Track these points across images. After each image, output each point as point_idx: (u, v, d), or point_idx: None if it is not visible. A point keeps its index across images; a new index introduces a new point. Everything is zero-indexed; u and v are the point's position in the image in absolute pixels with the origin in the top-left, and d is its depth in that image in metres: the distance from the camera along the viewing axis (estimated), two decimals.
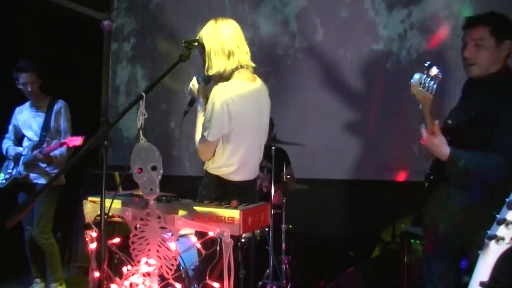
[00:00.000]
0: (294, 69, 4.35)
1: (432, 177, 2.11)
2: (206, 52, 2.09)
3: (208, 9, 4.77)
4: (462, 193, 1.97)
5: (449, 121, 1.99)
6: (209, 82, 2.20)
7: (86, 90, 4.89)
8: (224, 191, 2.12)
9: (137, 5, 5.25)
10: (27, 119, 3.50)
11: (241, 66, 2.12)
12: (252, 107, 2.13)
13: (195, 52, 2.08)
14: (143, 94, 1.70)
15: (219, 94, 2.01)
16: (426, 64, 1.74)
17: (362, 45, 4.06)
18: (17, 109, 3.59)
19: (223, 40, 2.08)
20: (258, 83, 2.22)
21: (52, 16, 4.62)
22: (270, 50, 4.45)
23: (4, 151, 3.53)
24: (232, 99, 2.01)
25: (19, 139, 3.56)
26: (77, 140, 3.13)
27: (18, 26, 4.19)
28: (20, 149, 3.45)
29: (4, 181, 3.38)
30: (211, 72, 2.11)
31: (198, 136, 2.15)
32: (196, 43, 2.08)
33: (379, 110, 3.99)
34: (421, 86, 1.77)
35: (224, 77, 2.12)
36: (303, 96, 4.29)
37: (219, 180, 2.14)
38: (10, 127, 3.60)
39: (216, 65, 2.09)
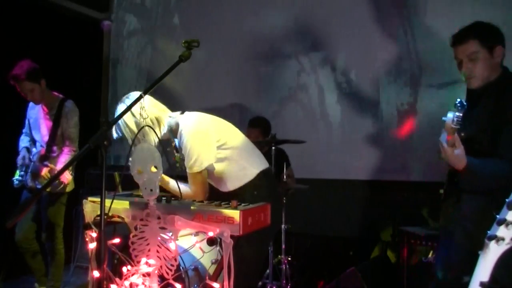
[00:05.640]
0: (294, 69, 4.35)
1: (447, 188, 2.13)
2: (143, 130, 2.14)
3: (207, 7, 4.77)
4: (472, 198, 2.00)
5: (462, 134, 2.00)
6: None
7: (86, 90, 4.89)
8: (269, 182, 2.28)
9: (137, 5, 5.26)
10: (37, 118, 3.36)
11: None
12: (211, 117, 2.32)
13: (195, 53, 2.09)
14: (143, 94, 1.70)
15: (190, 132, 2.16)
16: (457, 103, 1.71)
17: (364, 45, 4.07)
18: (31, 103, 3.42)
19: (152, 111, 2.20)
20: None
21: (52, 16, 4.62)
22: (270, 49, 4.45)
23: (19, 149, 3.42)
24: (201, 125, 2.21)
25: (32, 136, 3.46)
26: (65, 178, 3.10)
27: (17, 25, 4.19)
28: (34, 150, 3.35)
29: (17, 182, 3.31)
30: (156, 139, 2.19)
31: (186, 187, 2.22)
32: (196, 44, 2.08)
33: (379, 109, 3.99)
34: (454, 124, 1.74)
35: (174, 130, 2.26)
36: (303, 96, 4.29)
37: (264, 174, 2.25)
38: (26, 121, 3.47)
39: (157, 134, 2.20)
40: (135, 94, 2.18)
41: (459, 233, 2.09)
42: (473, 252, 2.04)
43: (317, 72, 4.24)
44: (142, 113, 2.07)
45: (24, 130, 3.51)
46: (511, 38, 2.08)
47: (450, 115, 1.73)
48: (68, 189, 3.33)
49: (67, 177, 3.11)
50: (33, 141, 3.44)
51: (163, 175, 2.26)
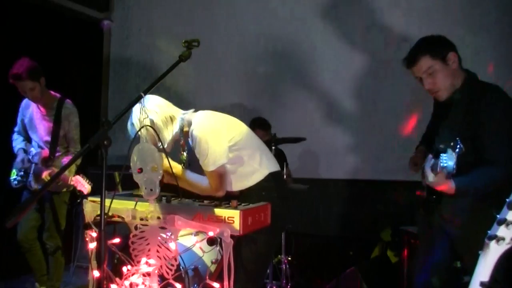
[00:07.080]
0: (295, 69, 4.35)
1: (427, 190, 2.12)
2: (157, 128, 2.11)
3: (207, 6, 4.77)
4: (453, 200, 1.99)
5: (441, 146, 1.98)
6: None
7: (86, 89, 4.89)
8: (278, 184, 2.22)
9: (138, 4, 5.26)
10: (33, 118, 3.31)
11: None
12: (223, 115, 2.27)
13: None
14: (143, 94, 1.70)
15: (203, 130, 2.10)
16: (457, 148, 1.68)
17: (364, 46, 4.07)
18: (24, 102, 3.36)
19: (161, 111, 2.16)
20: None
21: (51, 15, 4.62)
22: (271, 50, 4.45)
23: (15, 150, 3.35)
24: (213, 123, 2.16)
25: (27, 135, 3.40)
26: (84, 188, 2.99)
27: (17, 25, 4.19)
28: (33, 150, 3.29)
29: (16, 182, 3.26)
30: (169, 137, 2.16)
31: (200, 179, 2.19)
32: (197, 43, 2.08)
33: (380, 110, 3.99)
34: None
35: (185, 129, 2.20)
36: (303, 96, 4.29)
37: (273, 176, 2.21)
38: (18, 120, 3.41)
39: (170, 132, 2.16)
40: (150, 97, 2.16)
41: (440, 237, 2.08)
42: (456, 254, 2.06)
43: (318, 72, 4.24)
44: (142, 113, 2.06)
45: (16, 129, 3.45)
46: None
47: (450, 162, 1.67)
48: (70, 188, 3.31)
49: (86, 187, 3.01)
50: (28, 140, 3.39)
51: (180, 168, 2.23)
